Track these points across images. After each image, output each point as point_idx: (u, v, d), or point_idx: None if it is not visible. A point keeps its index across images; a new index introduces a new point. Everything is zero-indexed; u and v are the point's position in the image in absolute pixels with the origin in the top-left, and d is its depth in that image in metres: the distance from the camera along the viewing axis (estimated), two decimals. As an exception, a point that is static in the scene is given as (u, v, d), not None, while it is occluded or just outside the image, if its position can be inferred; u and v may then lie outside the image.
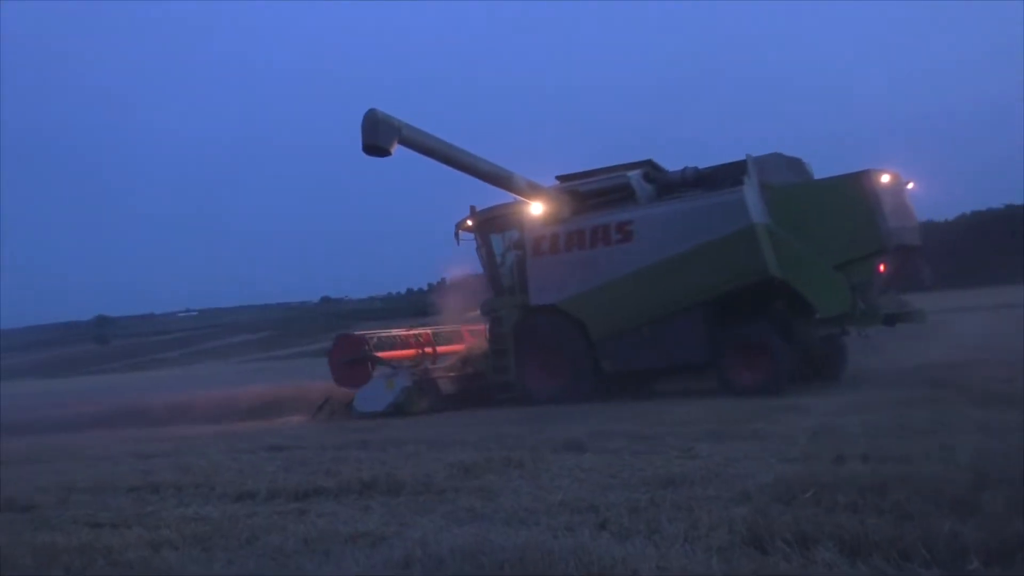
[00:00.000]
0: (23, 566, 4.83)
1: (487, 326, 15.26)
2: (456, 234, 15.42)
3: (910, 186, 14.24)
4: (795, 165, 14.29)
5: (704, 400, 12.13)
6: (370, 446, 9.56)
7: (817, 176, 14.27)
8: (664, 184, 14.65)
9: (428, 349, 16.61)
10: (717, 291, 13.39)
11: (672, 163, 15.01)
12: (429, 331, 17.06)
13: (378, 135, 12.97)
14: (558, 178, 15.34)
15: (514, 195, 14.76)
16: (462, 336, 16.91)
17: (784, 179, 13.76)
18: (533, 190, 14.56)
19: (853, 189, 12.99)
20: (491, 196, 15.23)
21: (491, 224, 15.52)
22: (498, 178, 14.28)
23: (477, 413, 13.48)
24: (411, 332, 16.93)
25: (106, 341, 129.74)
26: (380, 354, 15.67)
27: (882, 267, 13.18)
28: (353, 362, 15.54)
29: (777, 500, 5.23)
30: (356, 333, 16.65)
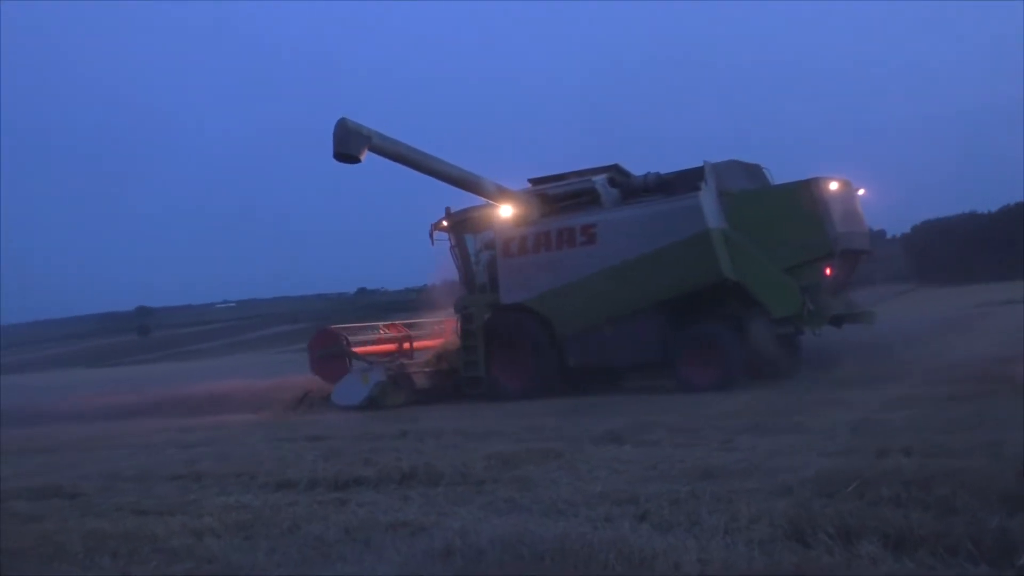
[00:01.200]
0: (72, 551, 4.91)
1: (458, 323, 15.66)
2: (431, 234, 15.93)
3: (861, 193, 14.76)
4: (753, 171, 14.84)
5: (743, 393, 12.05)
6: (408, 436, 9.61)
7: (776, 182, 14.73)
8: (628, 188, 15.15)
9: (406, 344, 17.10)
10: (675, 292, 13.92)
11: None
12: (406, 327, 17.57)
13: (348, 144, 13.71)
14: (530, 181, 15.84)
15: (483, 199, 15.26)
16: (442, 332, 17.14)
17: (741, 185, 14.30)
18: (502, 194, 15.07)
19: (802, 196, 13.58)
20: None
21: (465, 225, 15.98)
22: (467, 183, 14.88)
23: (515, 405, 13.49)
24: (389, 328, 17.44)
25: (147, 331, 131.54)
26: (357, 349, 16.12)
27: (828, 270, 13.59)
28: (331, 356, 16.01)
29: (819, 494, 5.18)
30: (334, 328, 17.06)
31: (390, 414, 13.48)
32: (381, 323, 17.85)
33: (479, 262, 16.08)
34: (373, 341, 16.86)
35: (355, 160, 13.81)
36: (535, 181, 15.81)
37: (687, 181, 14.37)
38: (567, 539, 4.41)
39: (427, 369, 16.18)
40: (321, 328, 17.50)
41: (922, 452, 6.29)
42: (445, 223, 15.91)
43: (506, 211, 15.12)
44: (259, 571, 4.48)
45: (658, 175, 15.11)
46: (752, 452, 7.06)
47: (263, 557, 4.74)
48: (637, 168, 15.64)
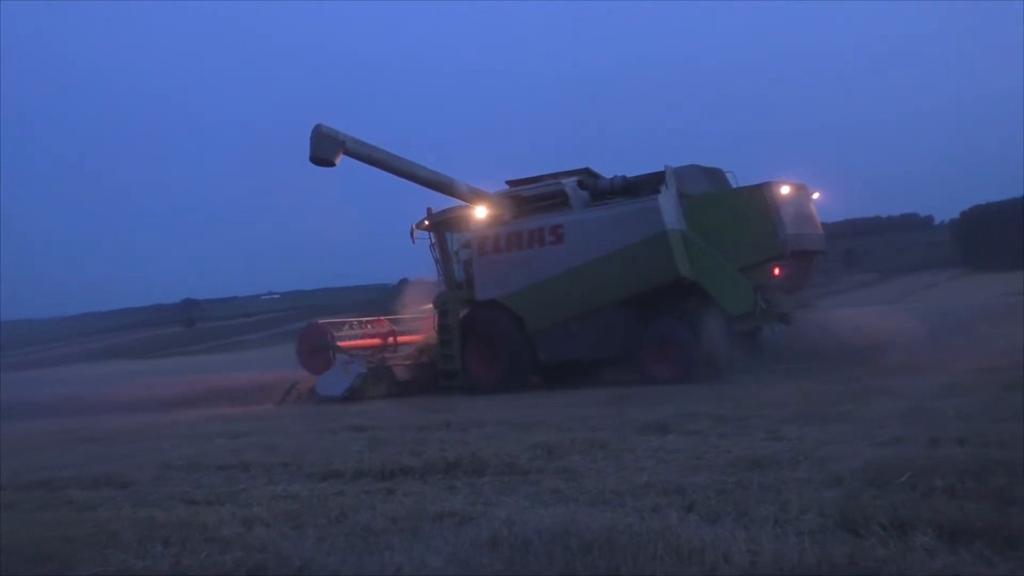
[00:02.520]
0: (125, 540, 4.98)
1: (436, 318, 16.32)
2: (412, 233, 16.59)
3: (815, 196, 15.55)
4: (714, 175, 15.66)
5: (790, 383, 11.92)
6: (453, 426, 9.64)
7: (737, 186, 15.54)
8: (596, 191, 15.83)
9: (390, 339, 17.92)
10: (636, 290, 14.65)
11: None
12: (389, 322, 18.45)
13: (323, 148, 14.51)
14: (507, 183, 16.61)
15: (457, 200, 16.00)
16: (425, 327, 17.79)
17: (701, 188, 15.08)
18: (475, 195, 15.88)
19: (755, 199, 14.35)
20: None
21: (445, 224, 16.77)
22: (440, 185, 15.64)
23: (559, 394, 13.50)
24: (375, 323, 18.30)
25: (192, 323, 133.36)
26: (342, 343, 16.88)
27: (777, 270, 14.26)
28: (317, 350, 16.82)
29: (870, 484, 5.09)
30: (319, 323, 17.83)
31: (434, 403, 13.55)
32: (368, 318, 18.65)
33: (459, 260, 16.82)
34: (359, 336, 17.70)
35: (330, 164, 14.51)
36: (512, 183, 16.54)
37: (650, 184, 15.11)
38: (614, 530, 4.38)
39: (408, 362, 16.95)
40: (309, 324, 18.38)
41: (975, 442, 6.16)
42: (427, 222, 16.65)
43: (481, 212, 15.80)
44: (308, 560, 4.51)
45: (624, 178, 15.79)
46: (800, 442, 6.96)
47: (312, 546, 4.76)
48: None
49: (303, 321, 20.00)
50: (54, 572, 4.57)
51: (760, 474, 5.71)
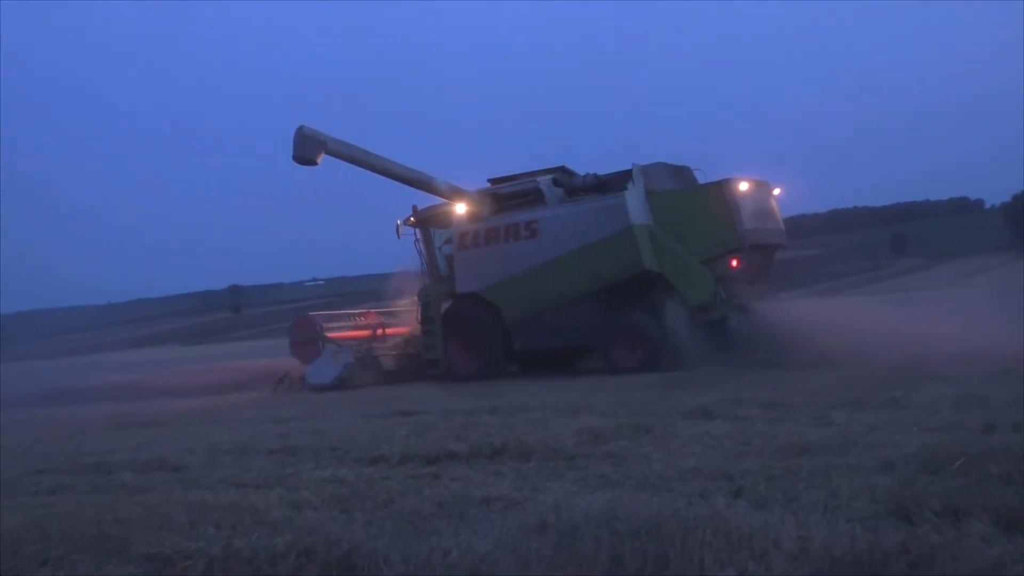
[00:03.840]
0: (177, 522, 5.06)
1: (419, 310, 16.88)
2: (397, 229, 17.23)
3: (776, 192, 16.12)
4: (681, 173, 16.31)
5: (837, 369, 11.74)
6: (499, 412, 9.65)
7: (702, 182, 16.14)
8: (570, 188, 16.51)
9: (379, 331, 18.68)
10: (604, 282, 15.32)
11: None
12: (380, 315, 19.19)
13: (305, 149, 15.11)
14: (489, 181, 17.31)
15: (438, 197, 16.57)
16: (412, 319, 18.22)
17: (667, 185, 15.72)
18: (455, 193, 16.53)
19: (715, 195, 14.99)
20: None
21: (430, 221, 17.35)
22: (419, 183, 16.32)
23: (604, 379, 13.47)
24: (365, 315, 19.13)
25: (239, 309, 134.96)
26: (331, 334, 17.65)
27: (734, 262, 14.84)
28: (307, 340, 17.68)
29: (923, 470, 5.01)
30: (310, 315, 18.84)
31: (482, 388, 13.59)
32: (357, 310, 19.51)
33: (443, 255, 17.46)
34: (350, 327, 18.50)
35: (312, 163, 15.14)
36: (493, 181, 17.20)
37: (619, 182, 15.79)
38: (662, 515, 4.35)
39: (394, 352, 17.60)
40: (300, 315, 19.24)
41: (1031, 428, 6.04)
42: (412, 219, 17.24)
43: (461, 209, 16.54)
44: (357, 544, 4.54)
45: (595, 176, 16.50)
46: (849, 427, 6.88)
47: (360, 530, 4.79)
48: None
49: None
50: (109, 553, 4.65)
51: (809, 460, 5.65)
